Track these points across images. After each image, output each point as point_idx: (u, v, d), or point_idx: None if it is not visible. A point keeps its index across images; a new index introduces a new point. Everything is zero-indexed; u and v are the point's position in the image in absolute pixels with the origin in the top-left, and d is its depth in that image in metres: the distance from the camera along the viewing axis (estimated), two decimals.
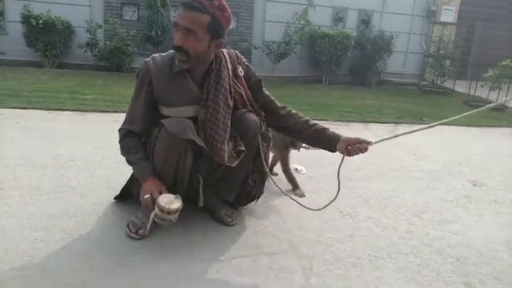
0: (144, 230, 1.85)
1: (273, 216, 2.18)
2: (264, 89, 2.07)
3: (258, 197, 2.11)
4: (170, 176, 1.84)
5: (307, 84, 7.44)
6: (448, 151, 3.83)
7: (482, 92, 6.41)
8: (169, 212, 1.69)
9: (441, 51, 7.93)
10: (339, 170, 1.95)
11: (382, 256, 1.87)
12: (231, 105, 1.91)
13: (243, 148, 1.92)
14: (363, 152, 1.92)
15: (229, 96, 1.90)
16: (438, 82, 7.89)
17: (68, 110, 4.33)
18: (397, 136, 2.01)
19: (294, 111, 2.08)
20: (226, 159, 1.86)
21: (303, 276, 1.67)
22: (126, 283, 1.55)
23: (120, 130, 1.95)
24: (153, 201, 1.73)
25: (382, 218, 2.26)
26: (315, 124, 2.03)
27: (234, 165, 1.89)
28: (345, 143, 1.94)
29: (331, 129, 2.02)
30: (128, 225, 1.89)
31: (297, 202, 2.05)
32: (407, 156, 3.58)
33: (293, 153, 2.61)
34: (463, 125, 5.07)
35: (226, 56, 1.91)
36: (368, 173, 3.02)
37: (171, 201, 1.71)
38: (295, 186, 2.52)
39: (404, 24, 8.69)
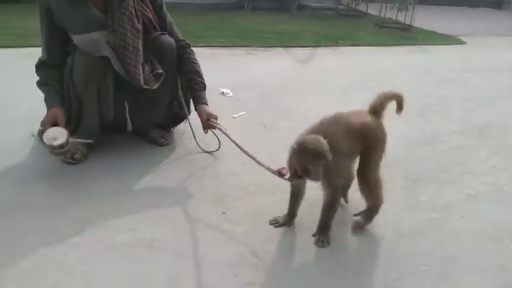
0: (79, 155, 1.94)
1: (205, 135, 2.24)
2: (164, 13, 2.08)
3: (186, 118, 2.24)
4: (94, 98, 1.91)
5: (229, 11, 7.31)
6: (358, 70, 4.21)
7: (391, 14, 6.86)
8: (53, 147, 1.72)
9: None
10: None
11: None
12: (140, 28, 1.94)
13: (161, 71, 2.00)
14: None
15: (135, 19, 1.92)
16: (353, 6, 8.23)
17: None
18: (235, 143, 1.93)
19: (188, 53, 2.10)
20: (142, 82, 1.94)
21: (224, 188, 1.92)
22: (69, 200, 1.67)
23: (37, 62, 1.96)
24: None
25: (299, 129, 2.55)
26: (193, 80, 2.07)
27: (154, 87, 1.98)
28: (202, 112, 2.04)
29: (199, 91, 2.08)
30: None
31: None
32: (324, 75, 3.90)
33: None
34: (373, 45, 5.50)
35: None
36: (290, 90, 3.29)
37: (55, 137, 1.72)
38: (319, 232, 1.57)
39: None
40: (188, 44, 2.15)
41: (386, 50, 5.44)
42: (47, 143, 1.72)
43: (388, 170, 2.11)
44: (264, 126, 2.53)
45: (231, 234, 1.54)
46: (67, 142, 1.74)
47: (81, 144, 1.94)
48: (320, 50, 5.03)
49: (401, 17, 6.73)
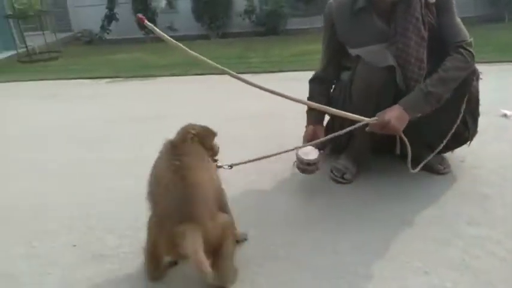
0: (348, 175, 1.85)
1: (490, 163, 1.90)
2: (449, 8, 1.73)
3: (471, 139, 1.87)
4: (371, 113, 1.68)
5: (484, 24, 6.32)
6: None
7: None
8: (304, 163, 1.72)
9: None
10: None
11: None
12: (426, 36, 1.70)
13: None
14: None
15: (422, 26, 1.69)
16: None
17: (241, 72, 4.64)
18: None
19: (450, 55, 1.68)
20: None
21: None
22: (340, 219, 1.58)
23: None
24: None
25: None
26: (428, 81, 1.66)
27: (439, 105, 1.66)
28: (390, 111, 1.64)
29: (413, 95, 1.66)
30: (331, 171, 1.90)
31: None
32: None
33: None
34: None
35: None
36: None
37: (307, 153, 1.73)
38: None
39: None
40: (460, 46, 1.70)
41: None
42: (298, 157, 1.74)
43: None
44: None
45: None
46: (316, 161, 1.73)
47: (351, 163, 1.85)
48: None
49: None
